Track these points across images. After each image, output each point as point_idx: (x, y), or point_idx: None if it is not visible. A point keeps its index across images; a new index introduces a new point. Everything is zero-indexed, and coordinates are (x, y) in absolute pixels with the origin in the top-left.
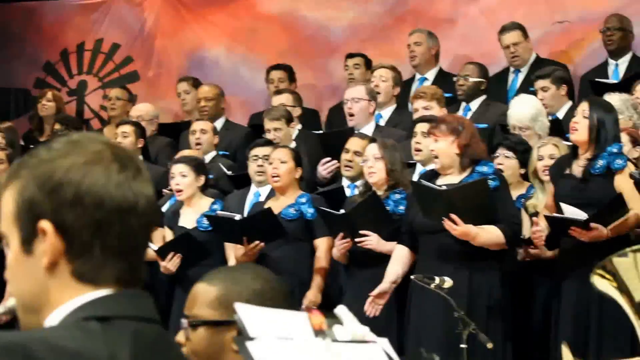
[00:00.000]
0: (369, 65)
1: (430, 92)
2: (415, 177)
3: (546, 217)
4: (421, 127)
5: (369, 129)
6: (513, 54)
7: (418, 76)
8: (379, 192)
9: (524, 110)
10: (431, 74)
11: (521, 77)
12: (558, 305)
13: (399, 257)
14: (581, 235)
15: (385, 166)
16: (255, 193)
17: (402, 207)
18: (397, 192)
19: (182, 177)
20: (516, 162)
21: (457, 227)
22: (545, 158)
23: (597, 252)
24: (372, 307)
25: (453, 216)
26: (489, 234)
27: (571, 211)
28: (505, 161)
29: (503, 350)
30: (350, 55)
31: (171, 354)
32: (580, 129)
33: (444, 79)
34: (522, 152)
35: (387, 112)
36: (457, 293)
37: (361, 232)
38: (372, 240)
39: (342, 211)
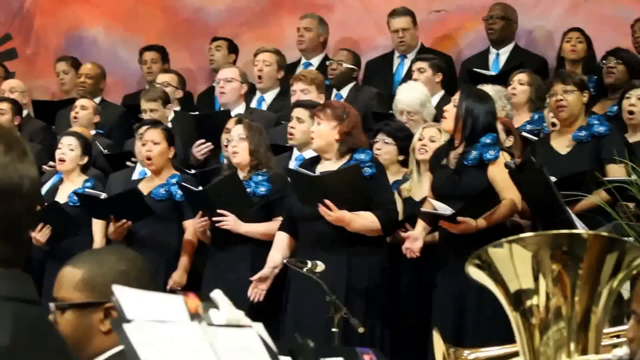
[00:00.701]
0: (232, 49)
1: (310, 76)
2: (292, 161)
3: (418, 213)
4: (297, 112)
5: (239, 111)
6: (401, 38)
7: (304, 60)
8: (242, 174)
9: (413, 95)
10: (316, 60)
11: (407, 63)
12: (433, 291)
13: (279, 243)
14: (451, 227)
15: (249, 147)
16: (141, 172)
17: (263, 189)
18: (260, 174)
19: (69, 150)
20: (395, 149)
21: (332, 213)
22: (425, 139)
23: (473, 241)
24: (254, 293)
25: (327, 202)
26: (364, 220)
27: (439, 206)
28: (384, 147)
29: (381, 335)
30: (215, 39)
31: (51, 336)
32: (448, 117)
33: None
34: (402, 138)
35: (270, 96)
36: (335, 279)
37: (218, 211)
38: (229, 221)
39: (200, 188)
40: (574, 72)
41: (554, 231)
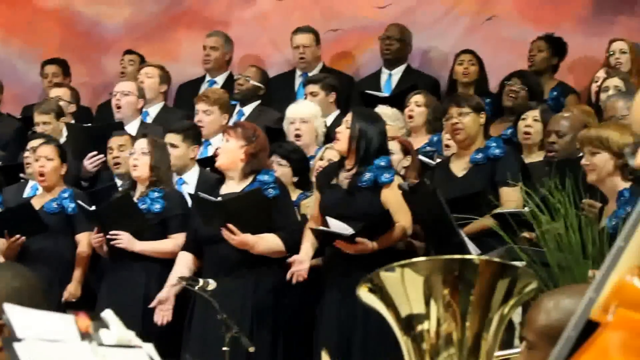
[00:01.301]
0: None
1: (214, 96)
2: (189, 176)
3: (312, 230)
4: (169, 138)
5: (134, 125)
6: (301, 54)
7: (208, 78)
8: (141, 188)
9: (304, 107)
10: (221, 78)
11: None
12: (322, 310)
13: (182, 263)
14: (347, 248)
15: (150, 162)
16: (33, 186)
17: (157, 206)
18: (156, 191)
19: None
20: (289, 170)
21: (235, 237)
22: (325, 160)
23: (361, 262)
24: (160, 316)
25: (230, 226)
26: (268, 243)
27: (337, 225)
28: (279, 169)
29: (273, 355)
30: (128, 52)
31: None
32: (342, 139)
33: (233, 84)
34: (296, 160)
35: (154, 110)
36: (240, 301)
37: (111, 233)
38: (122, 240)
39: (93, 207)
40: (469, 94)
41: (446, 256)
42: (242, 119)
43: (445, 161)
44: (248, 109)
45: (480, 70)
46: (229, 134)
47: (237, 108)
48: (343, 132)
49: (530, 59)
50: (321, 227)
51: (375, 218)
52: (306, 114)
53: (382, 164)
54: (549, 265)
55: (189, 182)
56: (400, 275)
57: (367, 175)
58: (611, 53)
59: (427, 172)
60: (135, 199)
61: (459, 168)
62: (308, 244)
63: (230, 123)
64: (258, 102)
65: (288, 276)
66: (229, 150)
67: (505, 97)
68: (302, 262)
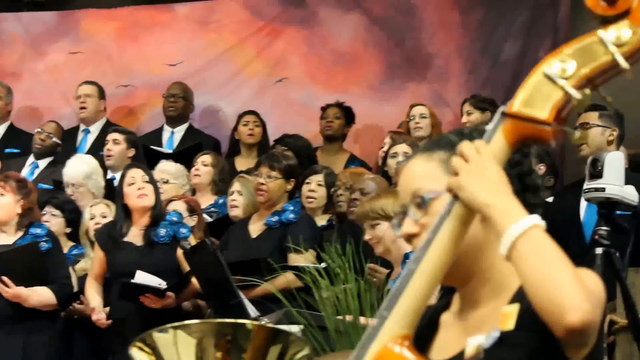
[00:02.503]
0: None
1: None
2: None
3: (123, 283)
4: None
5: None
6: (82, 103)
7: None
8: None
9: (78, 168)
10: (1, 129)
11: (91, 138)
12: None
13: None
14: (155, 302)
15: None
16: None
17: None
18: None
19: None
20: (63, 221)
21: (9, 290)
22: (97, 217)
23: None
24: None
25: (4, 278)
26: (40, 296)
27: (148, 278)
28: (52, 219)
29: None
30: None
31: None
32: (149, 194)
33: (15, 134)
34: (69, 211)
35: None
36: (12, 355)
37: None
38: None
39: None
40: (286, 155)
41: (219, 320)
42: (35, 172)
43: (245, 220)
44: (43, 163)
45: (264, 131)
46: (4, 188)
47: (31, 160)
48: (147, 187)
49: (328, 125)
50: (132, 280)
51: (174, 273)
52: (79, 179)
53: (174, 219)
54: (326, 329)
55: None
56: (173, 336)
57: (164, 231)
58: (411, 118)
59: (229, 228)
60: None
61: (255, 229)
62: (97, 295)
63: (25, 174)
64: (52, 157)
65: (95, 322)
66: (5, 205)
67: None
68: (100, 312)
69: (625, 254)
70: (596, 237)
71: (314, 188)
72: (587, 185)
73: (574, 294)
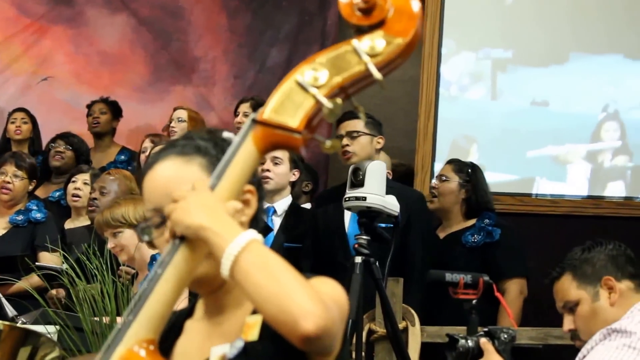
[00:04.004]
0: None
1: None
2: None
3: None
4: None
5: None
6: None
7: None
8: None
9: None
10: None
11: None
12: None
13: None
14: None
15: None
16: None
17: None
18: None
19: None
20: None
21: None
22: None
23: None
24: None
25: None
26: None
27: None
28: None
29: None
30: None
31: None
32: None
33: None
34: None
35: None
36: None
37: None
38: None
39: None
40: (27, 155)
41: None
42: None
43: None
44: None
45: (34, 128)
46: None
47: None
48: None
49: (95, 121)
50: None
51: None
52: None
53: None
54: (83, 330)
55: None
56: None
57: None
58: (171, 121)
59: None
60: None
61: None
62: None
63: None
64: None
65: None
66: None
67: (52, 158)
68: None
69: (386, 264)
70: (356, 246)
71: (80, 186)
72: (348, 194)
73: (303, 301)
